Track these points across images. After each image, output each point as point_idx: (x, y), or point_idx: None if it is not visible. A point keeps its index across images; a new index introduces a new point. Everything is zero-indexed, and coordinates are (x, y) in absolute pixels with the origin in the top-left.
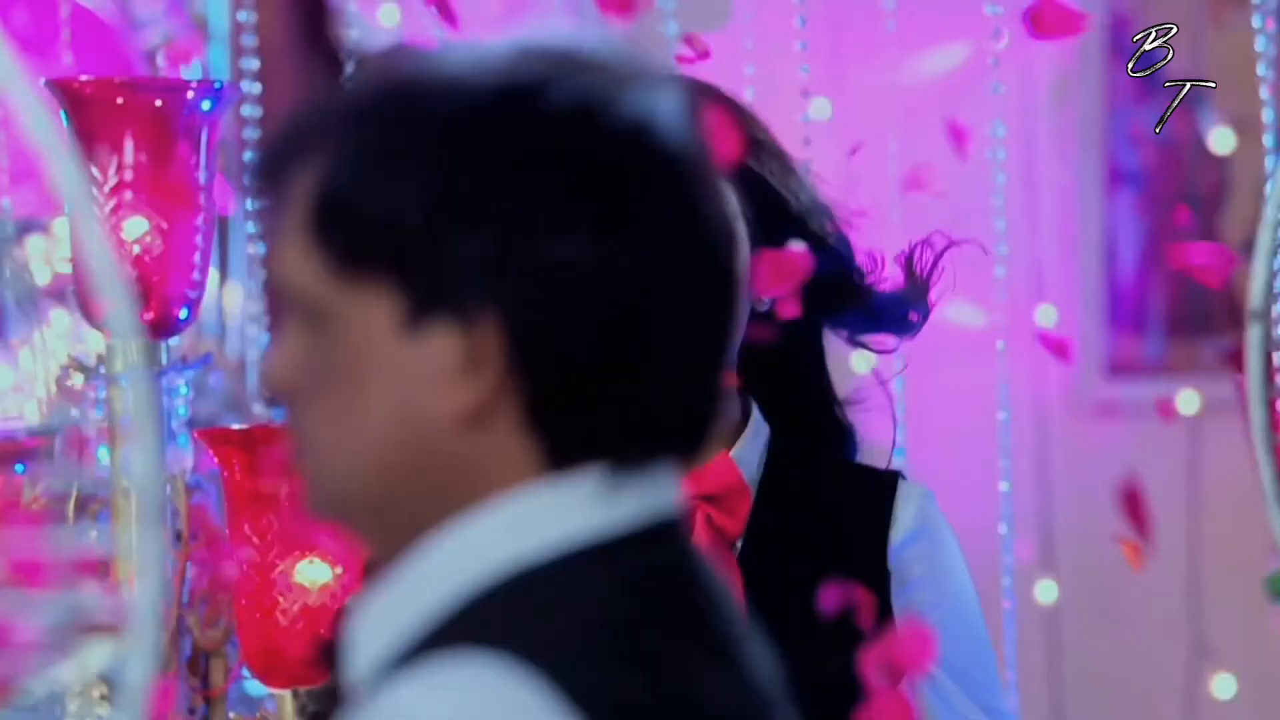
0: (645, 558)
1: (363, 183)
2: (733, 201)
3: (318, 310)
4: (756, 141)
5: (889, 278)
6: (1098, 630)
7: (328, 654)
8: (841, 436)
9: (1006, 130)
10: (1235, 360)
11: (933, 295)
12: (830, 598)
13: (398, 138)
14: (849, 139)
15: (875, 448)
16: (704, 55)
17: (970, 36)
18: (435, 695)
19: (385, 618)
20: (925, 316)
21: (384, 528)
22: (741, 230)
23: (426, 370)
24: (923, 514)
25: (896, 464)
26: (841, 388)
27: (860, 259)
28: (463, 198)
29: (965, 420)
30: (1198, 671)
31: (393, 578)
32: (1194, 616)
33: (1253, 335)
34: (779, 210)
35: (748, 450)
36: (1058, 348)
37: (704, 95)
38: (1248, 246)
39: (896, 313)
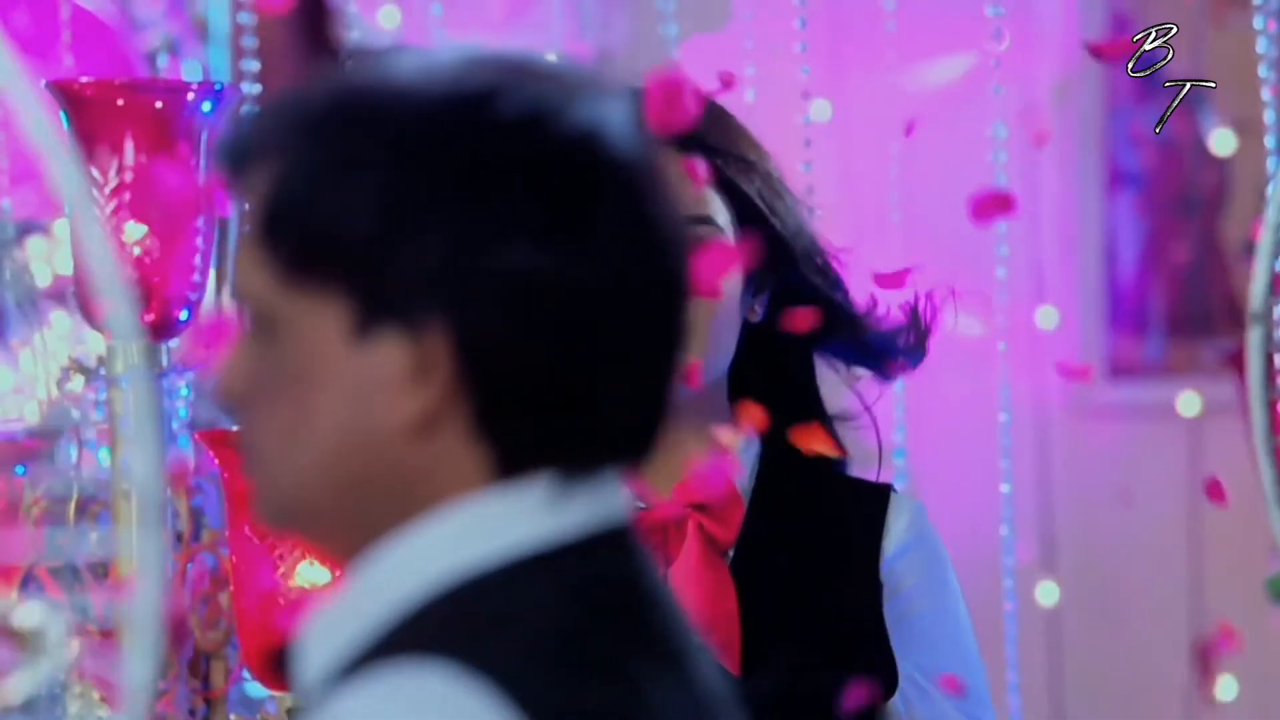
0: (594, 565)
1: (312, 190)
2: (724, 213)
3: (268, 317)
4: (746, 162)
5: (887, 318)
6: (1098, 631)
7: (281, 661)
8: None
9: (1007, 132)
10: (1236, 362)
11: (930, 344)
12: (854, 697)
13: (347, 145)
14: (849, 141)
15: (870, 451)
16: (729, 86)
17: (971, 38)
18: (383, 704)
19: (334, 625)
20: (917, 364)
21: (335, 536)
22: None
23: (375, 379)
24: (915, 526)
25: (897, 466)
26: (840, 394)
27: (857, 296)
28: (411, 206)
29: (966, 422)
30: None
31: (342, 586)
32: (1194, 617)
33: (1253, 337)
34: (764, 232)
35: (740, 459)
36: (1077, 373)
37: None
38: (1248, 248)
39: (890, 355)
